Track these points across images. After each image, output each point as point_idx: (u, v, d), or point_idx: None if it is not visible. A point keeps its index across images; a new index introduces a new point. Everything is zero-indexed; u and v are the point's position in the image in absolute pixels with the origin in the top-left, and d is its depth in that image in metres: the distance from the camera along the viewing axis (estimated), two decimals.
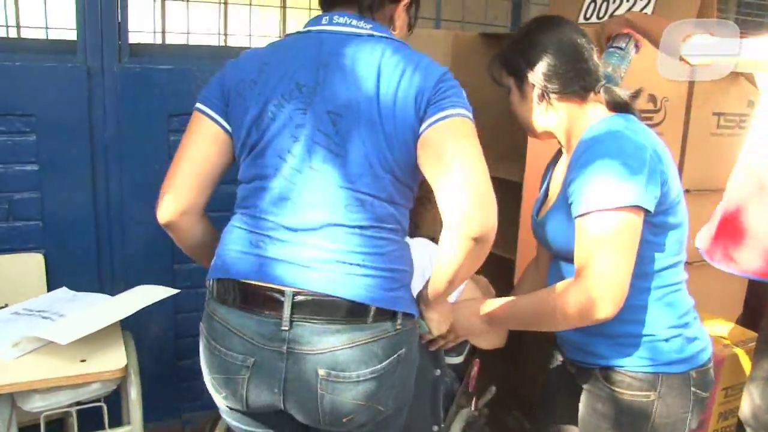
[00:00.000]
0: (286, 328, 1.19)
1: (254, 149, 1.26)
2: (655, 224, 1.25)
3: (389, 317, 1.22)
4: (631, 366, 1.30)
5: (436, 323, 1.37)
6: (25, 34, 2.34)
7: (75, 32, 2.08)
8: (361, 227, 1.21)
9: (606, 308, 1.18)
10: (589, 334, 1.31)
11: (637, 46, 1.68)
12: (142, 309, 1.71)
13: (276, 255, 1.22)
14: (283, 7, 2.74)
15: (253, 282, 1.22)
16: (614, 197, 1.17)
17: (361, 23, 1.26)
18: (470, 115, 1.21)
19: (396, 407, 1.29)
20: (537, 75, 1.33)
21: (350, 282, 1.20)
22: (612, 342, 1.31)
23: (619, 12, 2.16)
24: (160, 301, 1.78)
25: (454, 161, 1.15)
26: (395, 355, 1.23)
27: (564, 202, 1.28)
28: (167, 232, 1.36)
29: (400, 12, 1.34)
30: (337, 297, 1.19)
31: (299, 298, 1.19)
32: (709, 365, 1.35)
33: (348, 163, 1.20)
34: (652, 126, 2.07)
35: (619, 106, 1.33)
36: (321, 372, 1.19)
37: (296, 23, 1.73)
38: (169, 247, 2.18)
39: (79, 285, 2.03)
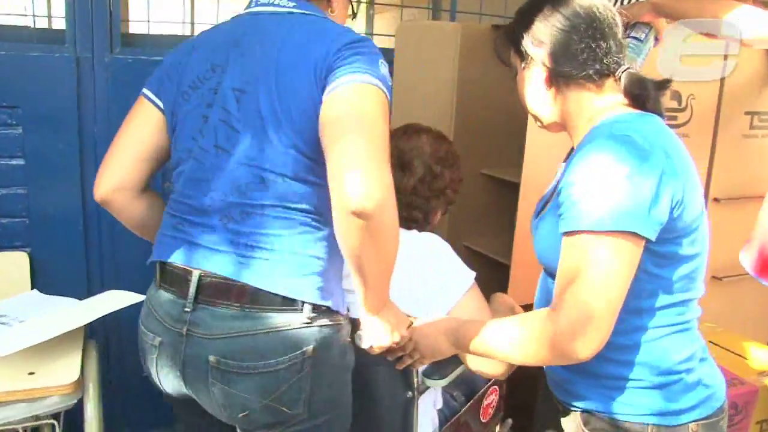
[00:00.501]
0: (189, 310, 1.17)
1: (175, 131, 1.26)
2: (660, 254, 1.03)
3: (295, 308, 1.15)
4: (615, 413, 1.10)
5: (372, 333, 1.21)
6: (12, 21, 2.25)
7: (64, 21, 1.99)
8: (263, 206, 1.16)
9: (583, 348, 0.98)
10: (572, 371, 1.13)
11: (657, 38, 1.53)
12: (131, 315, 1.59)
13: (189, 237, 1.21)
14: None
15: (170, 263, 1.22)
16: (608, 219, 0.96)
17: (284, 2, 1.23)
18: (377, 81, 1.10)
19: (312, 415, 1.18)
20: (545, 55, 1.11)
21: (250, 265, 1.15)
22: (596, 383, 1.11)
23: None
24: None
25: (341, 130, 1.06)
26: (299, 352, 1.14)
27: (556, 209, 1.08)
28: (105, 208, 1.35)
29: None
30: (237, 281, 1.15)
31: (205, 280, 1.17)
32: (718, 416, 1.12)
33: (249, 140, 1.16)
34: (675, 127, 1.90)
35: (639, 99, 1.11)
36: (212, 359, 1.15)
37: None
38: None
39: (65, 286, 1.92)
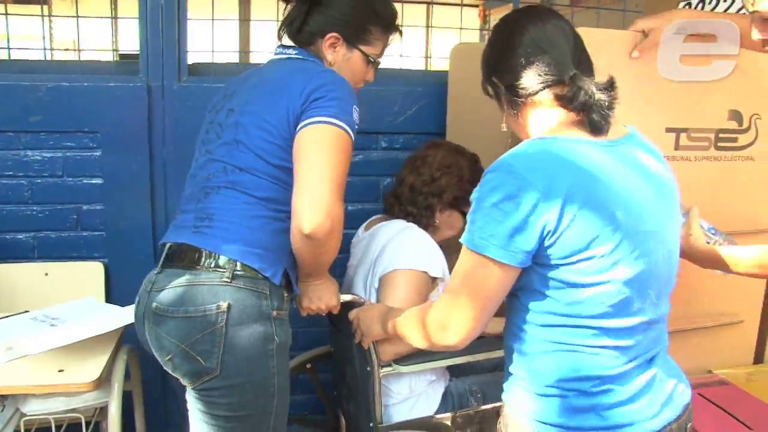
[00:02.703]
0: (156, 272, 1.45)
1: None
2: (549, 277, 1.10)
3: (222, 268, 1.37)
4: (508, 405, 1.22)
5: (303, 295, 1.53)
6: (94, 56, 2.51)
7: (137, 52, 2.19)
8: (218, 187, 1.43)
9: (448, 337, 1.15)
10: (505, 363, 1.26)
11: None
12: None
13: (177, 222, 1.51)
14: None
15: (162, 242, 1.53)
16: (473, 240, 1.09)
17: (290, 50, 1.56)
18: (338, 122, 1.36)
19: (225, 374, 1.33)
20: (501, 82, 1.21)
21: (198, 231, 1.41)
22: (509, 378, 1.23)
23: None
24: None
25: (300, 165, 1.36)
26: (213, 305, 1.33)
27: None
28: None
29: (327, 47, 1.55)
30: (186, 243, 1.41)
31: (171, 249, 1.45)
32: None
33: (224, 144, 1.46)
34: (735, 150, 1.70)
35: (565, 101, 1.13)
36: (153, 305, 1.39)
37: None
38: None
39: (135, 292, 2.10)
